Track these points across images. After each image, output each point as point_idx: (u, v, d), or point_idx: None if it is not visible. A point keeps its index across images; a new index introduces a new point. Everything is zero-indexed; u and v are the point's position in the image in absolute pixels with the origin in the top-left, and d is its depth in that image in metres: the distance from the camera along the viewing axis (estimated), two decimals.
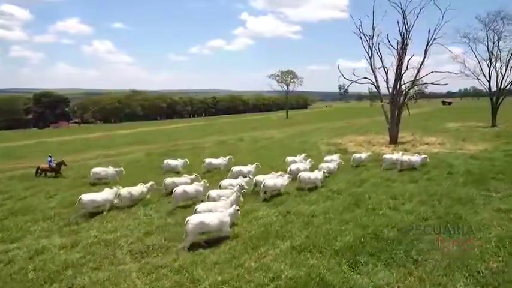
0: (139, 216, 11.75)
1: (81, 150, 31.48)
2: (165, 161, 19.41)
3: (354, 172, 17.48)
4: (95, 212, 12.01)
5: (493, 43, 37.79)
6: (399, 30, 26.34)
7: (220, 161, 19.27)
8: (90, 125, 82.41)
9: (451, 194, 12.95)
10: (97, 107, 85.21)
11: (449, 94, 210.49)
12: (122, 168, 17.90)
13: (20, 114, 73.24)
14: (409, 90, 28.01)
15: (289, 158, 19.28)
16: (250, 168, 17.00)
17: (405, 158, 17.88)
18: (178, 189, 12.46)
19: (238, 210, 10.20)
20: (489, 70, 39.04)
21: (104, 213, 12.09)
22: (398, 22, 26.38)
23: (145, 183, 13.95)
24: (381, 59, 27.72)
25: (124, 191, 12.91)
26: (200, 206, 10.49)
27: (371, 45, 28.30)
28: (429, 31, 26.66)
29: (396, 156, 18.74)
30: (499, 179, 14.99)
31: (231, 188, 12.66)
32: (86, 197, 12.04)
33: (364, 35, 28.51)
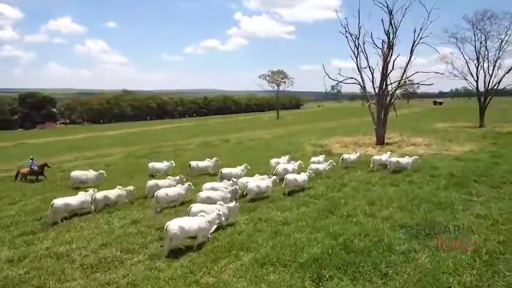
0: (101, 224, 11.04)
1: (61, 153, 30.52)
2: (150, 164, 18.62)
3: (337, 175, 16.91)
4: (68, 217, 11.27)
5: (480, 43, 37.70)
6: (384, 30, 25.92)
7: (207, 163, 18.61)
8: (78, 125, 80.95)
9: (432, 198, 12.47)
10: (84, 107, 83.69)
11: (441, 94, 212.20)
12: (103, 171, 17.13)
13: (6, 115, 71.65)
14: (395, 90, 27.58)
15: (273, 160, 18.79)
16: (238, 170, 16.52)
17: (394, 159, 17.36)
18: (160, 192, 12.17)
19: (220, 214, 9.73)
20: (476, 70, 38.94)
21: (64, 221, 11.36)
22: (383, 21, 25.96)
23: (124, 186, 13.46)
24: (366, 58, 27.29)
25: (100, 194, 12.52)
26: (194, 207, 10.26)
27: (357, 45, 27.90)
28: (415, 30, 26.30)
29: (385, 157, 18.36)
30: (481, 182, 14.57)
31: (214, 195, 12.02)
32: (59, 201, 11.50)
33: (350, 34, 28.09)
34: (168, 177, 15.43)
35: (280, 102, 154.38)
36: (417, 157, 17.92)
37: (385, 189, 14.04)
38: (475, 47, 38.09)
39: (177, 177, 14.77)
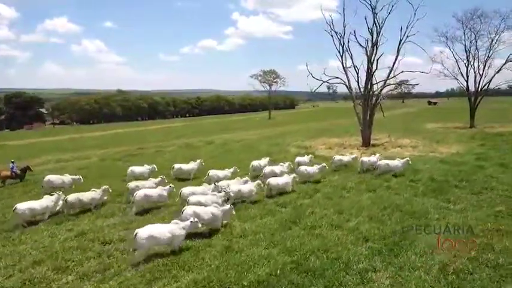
0: (44, 237, 10.09)
1: (37, 155, 29.45)
2: (130, 169, 17.18)
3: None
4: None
5: (470, 42, 37.04)
6: (368, 28, 25.10)
7: (191, 165, 17.69)
8: (67, 126, 79.62)
9: (406, 206, 11.64)
10: (73, 108, 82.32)
11: (438, 94, 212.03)
12: (80, 177, 16.10)
13: None
14: (380, 90, 26.79)
15: (254, 162, 18.00)
16: (227, 172, 15.93)
17: (383, 162, 16.42)
18: (139, 193, 11.86)
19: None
20: (466, 70, 38.29)
21: (3, 233, 10.41)
22: (366, 19, 25.13)
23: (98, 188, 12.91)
24: (351, 57, 26.47)
25: (72, 196, 12.10)
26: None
27: (342, 43, 27.07)
28: (401, 29, 25.51)
29: (374, 159, 17.65)
30: (461, 187, 13.78)
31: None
32: (22, 206, 11.02)
33: (335, 32, 27.25)
34: (150, 179, 14.88)
35: (274, 102, 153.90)
36: (408, 159, 17.02)
37: (359, 195, 13.21)
38: (464, 46, 37.48)
39: (159, 179, 14.28)
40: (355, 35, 25.47)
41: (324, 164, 16.13)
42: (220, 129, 50.78)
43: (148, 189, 12.62)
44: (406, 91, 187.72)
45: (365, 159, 17.94)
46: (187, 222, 8.85)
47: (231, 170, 16.25)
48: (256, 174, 16.62)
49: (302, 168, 15.79)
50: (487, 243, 8.41)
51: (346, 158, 18.76)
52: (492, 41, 36.52)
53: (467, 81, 38.92)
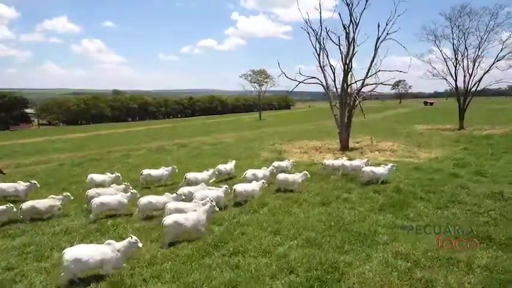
0: None
1: (0, 158, 27.99)
2: (89, 176, 15.68)
3: (270, 189, 14.47)
4: None
5: (458, 40, 35.56)
6: (342, 24, 23.58)
7: (162, 171, 16.33)
8: (53, 127, 78.09)
9: (356, 224, 10.17)
10: (61, 108, 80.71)
11: (437, 94, 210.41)
12: (35, 182, 14.72)
13: None
14: (358, 91, 25.30)
15: (220, 166, 16.92)
16: (205, 175, 15.10)
17: (368, 169, 14.87)
18: (96, 200, 11.34)
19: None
20: (455, 69, 36.82)
21: None
22: (340, 15, 23.62)
23: (34, 198, 12.05)
24: (327, 56, 24.97)
25: (27, 204, 11.46)
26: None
27: (320, 41, 25.54)
28: (378, 25, 23.98)
29: (359, 162, 16.40)
30: (426, 200, 12.32)
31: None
32: None
33: (312, 29, 25.74)
34: (113, 185, 13.88)
35: (269, 103, 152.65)
36: (393, 165, 15.54)
37: (309, 210, 11.72)
38: (453, 44, 36.01)
39: (123, 186, 13.34)
40: (327, 32, 23.94)
41: (306, 172, 14.54)
42: (203, 130, 49.30)
43: (106, 196, 11.89)
44: (403, 91, 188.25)
45: (328, 162, 17.09)
46: (124, 243, 7.63)
47: (210, 172, 15.53)
48: (223, 178, 16.29)
49: (281, 176, 14.23)
50: (429, 280, 6.93)
51: (337, 162, 17.29)
52: (481, 39, 35.09)
53: (455, 81, 37.48)
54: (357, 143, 29.34)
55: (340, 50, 23.91)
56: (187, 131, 49.16)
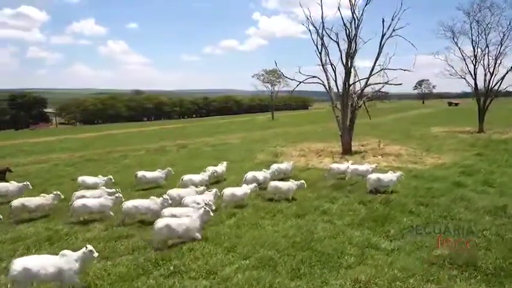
0: None
1: (5, 157, 28.50)
2: (80, 179, 15.43)
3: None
4: None
5: (478, 36, 33.02)
6: (342, 19, 22.14)
7: (157, 174, 16.03)
8: (71, 126, 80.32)
9: (325, 242, 9.03)
10: (78, 108, 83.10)
11: (465, 94, 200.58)
12: (28, 183, 14.60)
13: (1, 115, 71.81)
14: (361, 91, 23.78)
15: (210, 168, 16.51)
16: (200, 176, 14.79)
17: (374, 176, 13.63)
18: (77, 202, 11.17)
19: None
20: (474, 67, 34.23)
21: None
22: (339, 9, 22.18)
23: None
24: (327, 54, 23.60)
25: (17, 202, 11.52)
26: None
27: (321, 38, 24.18)
28: (383, 20, 22.37)
29: (367, 167, 15.48)
30: (416, 214, 10.95)
31: None
32: None
33: (314, 26, 24.38)
34: (102, 187, 13.61)
35: (286, 103, 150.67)
36: (401, 173, 14.24)
37: (279, 223, 10.64)
38: (472, 41, 33.48)
39: (112, 190, 12.95)
40: (323, 29, 22.55)
41: (303, 181, 13.47)
42: (211, 131, 48.79)
43: (88, 198, 11.65)
44: (427, 91, 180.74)
45: (334, 166, 16.68)
46: (79, 253, 7.03)
47: (207, 174, 15.27)
48: (216, 180, 16.05)
49: (273, 184, 13.19)
50: None
51: (343, 166, 16.44)
52: (504, 35, 32.41)
53: (475, 80, 34.90)
54: (362, 146, 27.76)
55: (338, 47, 22.48)
56: (195, 131, 48.84)
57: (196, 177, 14.72)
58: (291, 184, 13.09)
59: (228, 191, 12.25)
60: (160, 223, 8.90)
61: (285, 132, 42.24)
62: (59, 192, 12.36)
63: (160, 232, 8.82)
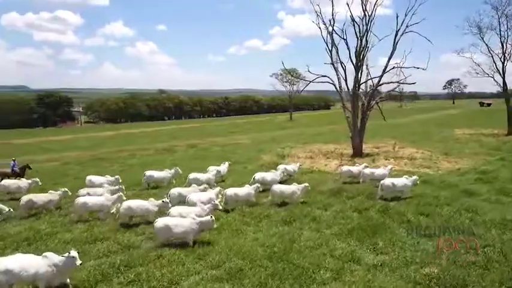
0: None
1: (25, 154, 29.53)
2: (88, 178, 15.55)
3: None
4: None
5: (506, 32, 30.65)
6: (351, 15, 21.04)
7: (164, 174, 16.11)
8: (94, 125, 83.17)
9: (304, 252, 8.37)
10: (102, 107, 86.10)
11: (499, 94, 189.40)
12: (37, 179, 15.18)
13: (30, 114, 75.60)
14: (373, 91, 22.61)
15: (212, 168, 16.63)
16: (206, 176, 14.91)
17: (388, 182, 12.76)
18: (78, 200, 11.29)
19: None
20: (503, 65, 31.82)
21: None
22: (348, 4, 21.08)
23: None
24: (337, 52, 22.61)
25: (25, 197, 11.97)
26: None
27: (331, 35, 23.23)
28: (397, 16, 21.12)
29: (384, 170, 14.79)
30: (412, 223, 10.03)
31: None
32: None
33: (324, 23, 23.42)
34: (105, 185, 13.95)
35: (308, 103, 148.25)
36: (416, 177, 13.41)
37: (263, 229, 10.04)
38: (500, 37, 31.12)
39: (117, 187, 13.35)
40: (332, 25, 21.54)
41: (306, 184, 12.93)
42: (226, 131, 48.61)
43: (89, 197, 11.83)
44: (457, 91, 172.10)
45: (345, 168, 15.96)
46: (62, 257, 6.85)
47: (212, 173, 15.41)
48: (217, 180, 15.86)
49: (277, 188, 12.68)
50: None
51: (355, 168, 15.83)
52: None
53: (504, 79, 32.49)
54: (376, 148, 26.54)
55: (346, 44, 21.45)
56: (210, 131, 48.88)
57: (202, 176, 14.79)
58: (294, 188, 12.49)
59: (230, 191, 12.13)
60: (160, 222, 8.90)
61: (300, 133, 41.34)
62: (66, 189, 12.73)
63: (159, 231, 8.84)
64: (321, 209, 11.75)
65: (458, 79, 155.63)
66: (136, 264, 7.83)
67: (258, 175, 14.47)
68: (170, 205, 10.88)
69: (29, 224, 11.05)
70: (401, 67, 21.23)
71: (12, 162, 18.38)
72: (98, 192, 12.68)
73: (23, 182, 14.92)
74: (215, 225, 9.34)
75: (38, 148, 35.18)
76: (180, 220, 9.08)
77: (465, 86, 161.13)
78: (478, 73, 33.91)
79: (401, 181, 12.85)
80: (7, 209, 11.34)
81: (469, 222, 10.00)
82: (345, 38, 21.55)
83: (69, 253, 6.90)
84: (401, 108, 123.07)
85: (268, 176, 14.56)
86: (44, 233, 10.20)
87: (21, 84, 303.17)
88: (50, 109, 77.50)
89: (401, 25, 21.34)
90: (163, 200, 11.09)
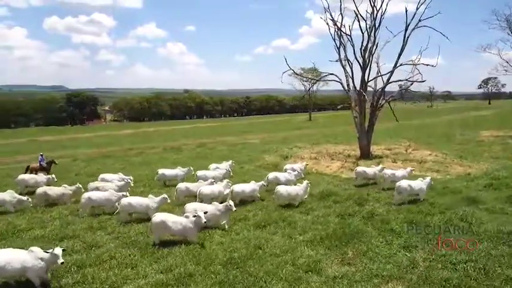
0: None
1: (41, 151, 30.87)
2: (101, 176, 15.70)
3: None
4: None
5: None
6: (356, 8, 19.94)
7: (177, 171, 16.21)
8: (119, 123, 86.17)
9: (263, 261, 7.88)
10: (127, 106, 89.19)
11: None
12: (53, 176, 15.75)
13: (60, 112, 79.71)
14: (382, 90, 21.46)
15: (212, 166, 16.91)
16: (214, 173, 15.22)
17: (405, 184, 12.08)
18: (84, 196, 11.61)
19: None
20: None
21: None
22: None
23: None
24: (344, 48, 21.64)
25: (40, 189, 12.74)
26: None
27: (340, 31, 22.23)
28: (406, 10, 19.84)
29: (403, 172, 14.29)
30: (395, 235, 9.16)
31: None
32: None
33: (332, 19, 22.44)
34: (113, 180, 14.41)
35: (331, 102, 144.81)
36: (430, 178, 13.00)
37: (231, 234, 9.59)
38: None
39: (123, 182, 13.71)
40: (331, 17, 20.49)
41: (308, 182, 12.84)
42: (239, 130, 48.44)
43: (95, 192, 12.07)
44: (495, 90, 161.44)
45: (360, 169, 15.27)
46: (45, 254, 6.82)
47: (220, 171, 15.86)
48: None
49: (281, 188, 12.24)
50: None
51: (371, 170, 15.28)
52: None
53: None
54: (388, 149, 25.32)
55: (350, 40, 20.43)
56: (225, 130, 48.94)
57: (210, 174, 15.05)
58: (298, 189, 12.24)
59: (237, 188, 12.28)
60: (156, 218, 8.89)
61: (314, 133, 40.38)
62: (79, 185, 13.09)
63: (155, 226, 8.81)
64: (303, 213, 11.14)
65: (496, 77, 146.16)
66: (87, 265, 7.66)
67: (272, 175, 14.19)
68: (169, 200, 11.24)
69: (11, 219, 11.27)
70: (407, 64, 19.94)
71: (40, 157, 19.33)
72: (107, 186, 12.94)
73: (41, 177, 15.58)
74: (234, 209, 9.74)
75: (58, 145, 36.70)
76: (178, 218, 9.04)
77: (503, 85, 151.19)
78: (506, 70, 31.48)
79: (417, 184, 12.16)
80: (25, 198, 12.20)
81: (458, 234, 9.03)
82: (348, 34, 20.52)
83: (53, 250, 6.80)
84: (431, 109, 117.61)
85: (281, 176, 14.15)
86: (20, 228, 10.34)
87: (60, 84, 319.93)
88: (77, 108, 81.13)
89: (412, 19, 20.03)
90: (163, 196, 11.09)
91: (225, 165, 17.10)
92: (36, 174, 17.51)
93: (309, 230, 9.68)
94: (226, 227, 9.81)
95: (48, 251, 6.82)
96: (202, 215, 8.82)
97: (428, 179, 12.68)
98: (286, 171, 15.21)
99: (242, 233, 9.60)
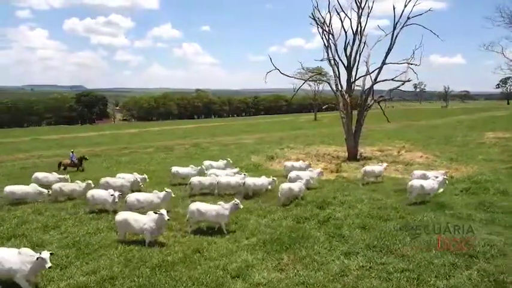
0: None
1: (38, 149, 31.62)
2: (104, 180, 15.11)
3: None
4: None
5: None
6: (340, 7, 19.45)
7: (189, 170, 16.25)
8: (127, 122, 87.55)
9: (194, 265, 7.69)
10: (135, 106, 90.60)
11: None
12: (68, 176, 15.88)
13: (70, 111, 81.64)
14: (368, 90, 20.92)
15: (206, 162, 17.49)
16: (218, 164, 17.03)
17: (417, 183, 12.00)
18: (88, 193, 12.02)
19: None
20: None
21: None
22: None
23: None
24: (331, 48, 21.17)
25: (56, 186, 13.45)
26: None
27: (327, 31, 21.81)
28: (394, 8, 19.24)
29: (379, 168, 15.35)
30: (341, 240, 8.85)
31: None
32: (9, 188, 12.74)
33: (320, 15, 21.72)
34: (119, 175, 14.94)
35: (316, 103, 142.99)
36: (445, 177, 13.16)
37: (180, 235, 9.44)
38: None
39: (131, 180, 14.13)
40: (313, 15, 20.06)
41: (308, 178, 13.45)
42: (239, 130, 48.30)
43: (97, 190, 12.43)
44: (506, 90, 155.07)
45: (369, 168, 15.63)
46: (33, 257, 6.64)
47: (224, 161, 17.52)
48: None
49: (286, 186, 12.29)
50: None
51: (378, 168, 15.68)
52: None
53: None
54: (381, 151, 24.74)
55: (333, 38, 19.97)
56: (224, 130, 48.87)
57: (215, 164, 17.05)
58: (300, 185, 12.56)
59: (249, 181, 13.15)
60: (119, 216, 9.02)
61: (313, 134, 39.87)
62: (90, 182, 13.54)
63: (120, 225, 8.99)
64: (260, 216, 10.90)
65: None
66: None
67: (294, 173, 14.31)
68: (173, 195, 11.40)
69: None
70: (391, 63, 19.35)
71: (71, 153, 20.47)
72: (117, 183, 13.61)
73: (53, 176, 15.78)
74: (241, 206, 9.92)
75: (57, 144, 37.38)
76: (139, 216, 8.99)
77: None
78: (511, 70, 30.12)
79: (429, 183, 12.02)
80: (45, 191, 13.19)
81: (409, 242, 8.60)
82: (325, 29, 20.01)
83: (40, 253, 6.65)
84: (444, 109, 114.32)
85: (303, 174, 14.25)
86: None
87: (79, 84, 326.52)
88: (86, 107, 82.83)
89: (401, 17, 19.43)
90: (166, 190, 11.15)
91: (219, 164, 17.62)
92: (65, 169, 19.22)
93: (257, 234, 9.45)
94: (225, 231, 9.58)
95: (35, 254, 6.62)
96: (165, 212, 8.70)
97: (441, 177, 12.67)
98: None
99: (189, 236, 9.45)
